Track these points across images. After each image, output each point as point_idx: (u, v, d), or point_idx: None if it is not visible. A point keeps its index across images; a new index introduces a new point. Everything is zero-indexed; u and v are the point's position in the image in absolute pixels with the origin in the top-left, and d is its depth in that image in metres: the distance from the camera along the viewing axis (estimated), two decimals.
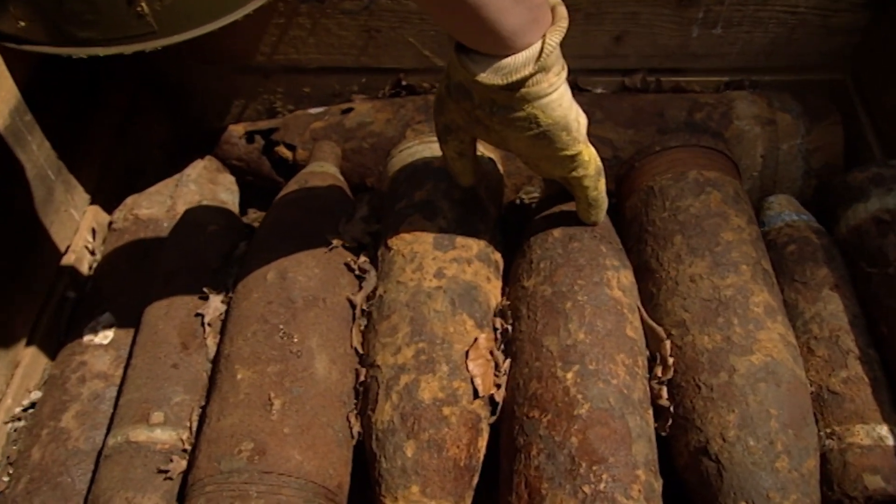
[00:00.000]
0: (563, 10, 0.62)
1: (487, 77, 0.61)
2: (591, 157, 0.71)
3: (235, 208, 1.01)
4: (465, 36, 0.61)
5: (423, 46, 1.05)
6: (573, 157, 0.69)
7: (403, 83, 1.09)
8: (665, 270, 0.75)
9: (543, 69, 0.61)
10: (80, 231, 0.92)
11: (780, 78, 1.05)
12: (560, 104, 0.64)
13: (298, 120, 1.08)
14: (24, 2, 0.70)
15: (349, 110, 1.06)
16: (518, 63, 0.60)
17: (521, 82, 0.61)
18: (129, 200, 0.96)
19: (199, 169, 1.02)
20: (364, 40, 1.05)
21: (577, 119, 0.67)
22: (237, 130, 1.09)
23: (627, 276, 0.77)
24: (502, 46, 0.59)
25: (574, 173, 0.71)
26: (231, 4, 0.79)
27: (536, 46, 0.59)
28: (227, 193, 1.04)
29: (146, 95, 1.09)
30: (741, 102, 0.98)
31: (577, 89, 1.07)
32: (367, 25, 1.02)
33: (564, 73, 0.64)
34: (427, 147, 0.87)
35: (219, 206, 0.90)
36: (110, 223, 0.95)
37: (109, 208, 0.97)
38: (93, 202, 0.96)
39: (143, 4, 0.72)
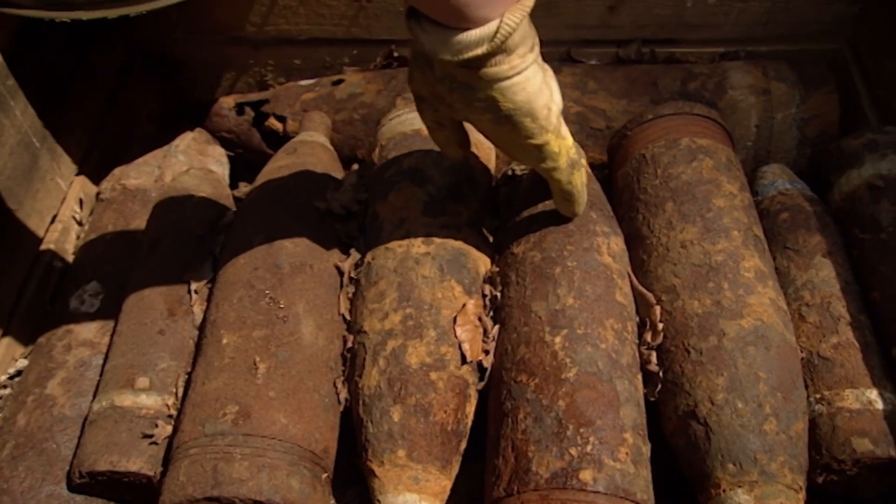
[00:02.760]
0: None
1: (438, 50, 0.55)
2: (561, 149, 0.65)
3: (225, 180, 1.01)
4: (419, 1, 0.54)
5: None
6: (540, 148, 0.64)
7: (395, 54, 1.08)
8: (656, 237, 0.75)
9: (504, 50, 0.55)
10: (66, 201, 0.91)
11: (776, 48, 1.04)
12: (524, 88, 0.58)
13: (289, 91, 1.07)
14: None
15: (340, 81, 1.05)
16: (470, 40, 0.54)
17: (477, 61, 0.55)
18: (117, 171, 0.95)
19: (188, 140, 1.01)
20: (355, 10, 1.03)
21: (546, 106, 0.61)
22: (227, 102, 1.08)
23: (618, 243, 0.76)
24: (456, 17, 0.53)
25: (543, 165, 0.66)
26: None
27: (493, 24, 0.53)
28: (216, 165, 1.03)
29: (135, 66, 1.08)
30: (735, 72, 0.97)
31: (570, 60, 1.06)
32: None
33: (533, 55, 0.58)
34: (417, 115, 0.86)
35: (207, 174, 0.89)
36: (98, 193, 0.94)
37: (97, 179, 0.97)
38: (80, 172, 0.95)
39: None
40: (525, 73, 0.58)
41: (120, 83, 1.04)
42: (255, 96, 1.09)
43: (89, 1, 0.73)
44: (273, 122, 1.06)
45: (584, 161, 0.72)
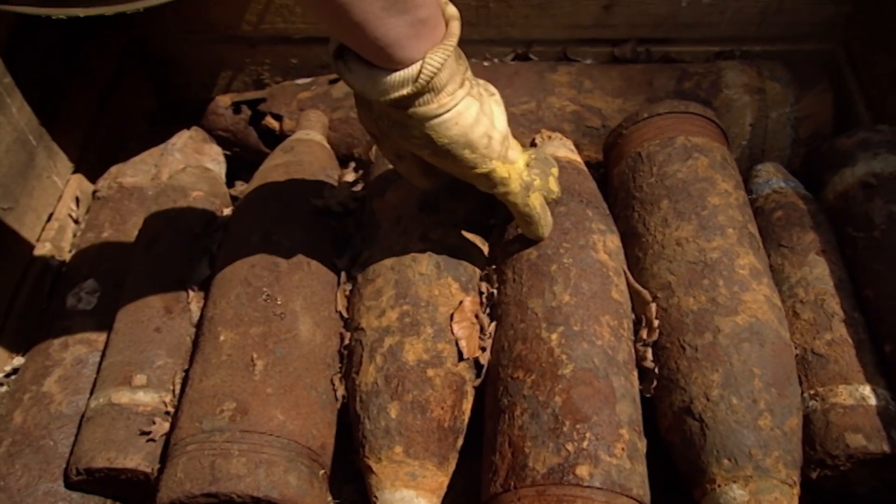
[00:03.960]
0: (455, 27, 0.55)
1: (366, 91, 0.55)
2: (511, 174, 0.64)
3: (222, 178, 1.01)
4: (343, 38, 0.54)
5: None
6: (487, 175, 0.63)
7: None
8: (651, 235, 0.75)
9: (431, 90, 0.54)
10: (63, 199, 0.91)
11: (770, 48, 1.04)
12: (457, 123, 0.57)
13: (286, 90, 1.07)
14: None
15: (336, 80, 1.05)
16: (395, 81, 0.53)
17: (404, 101, 0.55)
18: (114, 169, 0.95)
19: (184, 139, 1.01)
20: None
21: (486, 135, 0.60)
22: (224, 101, 1.08)
23: (614, 241, 0.76)
24: (380, 57, 0.53)
25: (495, 190, 0.65)
26: None
27: (416, 66, 0.53)
28: (213, 164, 1.03)
29: (131, 64, 1.07)
30: (730, 71, 0.97)
31: (566, 59, 1.06)
32: None
33: (463, 91, 0.57)
34: None
35: (204, 172, 0.89)
36: (94, 191, 0.94)
37: (93, 177, 0.96)
38: (76, 170, 0.95)
39: None
40: (456, 109, 0.57)
41: (116, 81, 1.04)
42: (251, 95, 1.08)
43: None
44: (270, 121, 1.06)
45: (554, 173, 0.70)
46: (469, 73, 0.59)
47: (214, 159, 1.04)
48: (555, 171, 0.71)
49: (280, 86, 1.09)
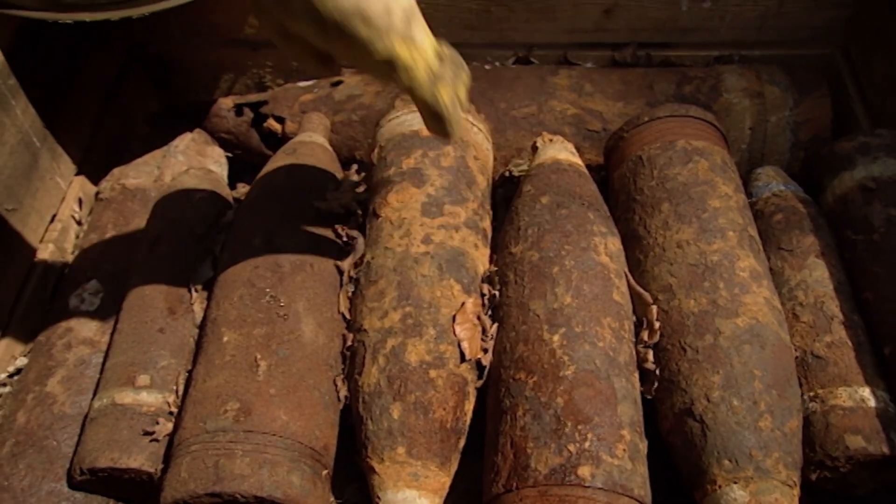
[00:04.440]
0: None
1: None
2: (416, 60, 0.53)
3: (224, 180, 1.01)
4: None
5: None
6: (389, 62, 0.53)
7: None
8: (652, 237, 0.76)
9: None
10: (66, 200, 0.91)
11: (769, 52, 1.05)
12: None
13: (288, 93, 1.07)
14: None
15: (339, 83, 1.06)
16: None
17: None
18: (117, 171, 0.95)
19: (187, 141, 1.01)
20: None
21: (385, 5, 0.50)
22: (226, 103, 1.08)
23: (615, 243, 0.77)
24: None
25: (400, 82, 0.55)
26: None
27: None
28: (215, 166, 1.03)
29: (134, 66, 1.08)
30: (730, 75, 0.98)
31: (567, 63, 1.07)
32: None
33: None
34: (416, 116, 0.86)
35: (206, 174, 0.90)
36: (97, 193, 0.94)
37: (96, 178, 0.97)
38: (79, 172, 0.95)
39: None
40: None
41: (119, 84, 1.04)
42: (253, 97, 1.09)
43: (92, 3, 0.74)
44: (272, 124, 1.06)
45: (465, 79, 0.58)
46: None
47: (217, 161, 1.05)
48: (466, 77, 0.58)
49: (282, 88, 1.09)
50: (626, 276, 0.76)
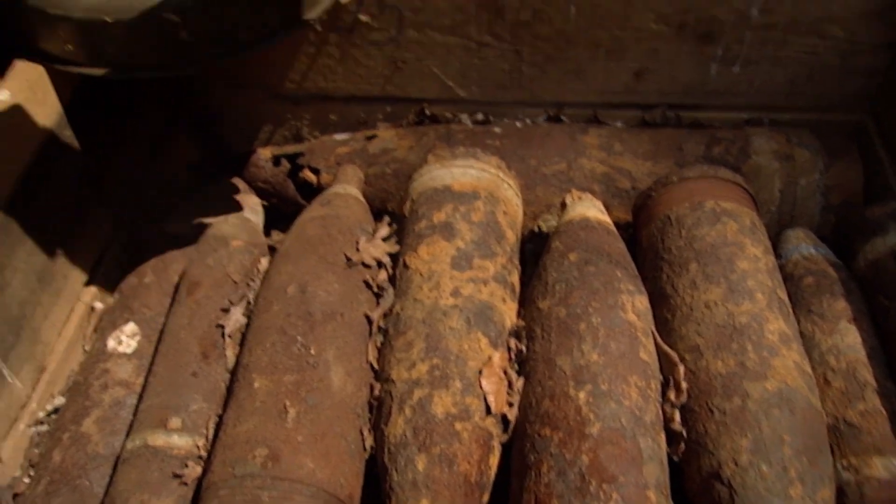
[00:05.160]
0: None
1: None
2: None
3: (260, 229, 1.04)
4: None
5: (446, 77, 1.08)
6: None
7: (427, 112, 1.12)
8: (680, 297, 0.76)
9: None
10: (109, 244, 0.95)
11: (800, 117, 1.06)
12: None
13: (324, 145, 1.11)
14: (72, 27, 0.74)
15: (373, 137, 1.09)
16: None
17: None
18: (158, 216, 0.99)
19: (226, 189, 1.05)
20: (390, 70, 1.08)
21: None
22: (265, 154, 1.12)
23: (642, 301, 0.77)
24: None
25: None
26: (263, 35, 0.82)
27: None
28: (252, 214, 1.06)
29: (179, 117, 1.13)
30: (759, 138, 0.99)
31: (597, 122, 1.09)
32: (394, 56, 1.06)
33: None
34: (448, 171, 0.89)
35: (244, 222, 0.93)
36: (139, 237, 0.98)
37: (139, 223, 1.00)
38: (123, 217, 0.99)
39: (182, 32, 0.75)
40: None
41: (165, 133, 1.09)
42: (291, 149, 1.13)
43: (145, 62, 0.78)
44: (308, 174, 1.09)
45: None
46: None
47: (253, 209, 1.08)
48: None
49: (318, 140, 1.13)
50: (654, 334, 0.76)
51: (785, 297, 0.77)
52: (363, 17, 1.01)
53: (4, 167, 0.74)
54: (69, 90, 0.85)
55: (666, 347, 0.74)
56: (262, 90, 1.12)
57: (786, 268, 0.84)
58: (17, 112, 0.78)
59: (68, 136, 0.85)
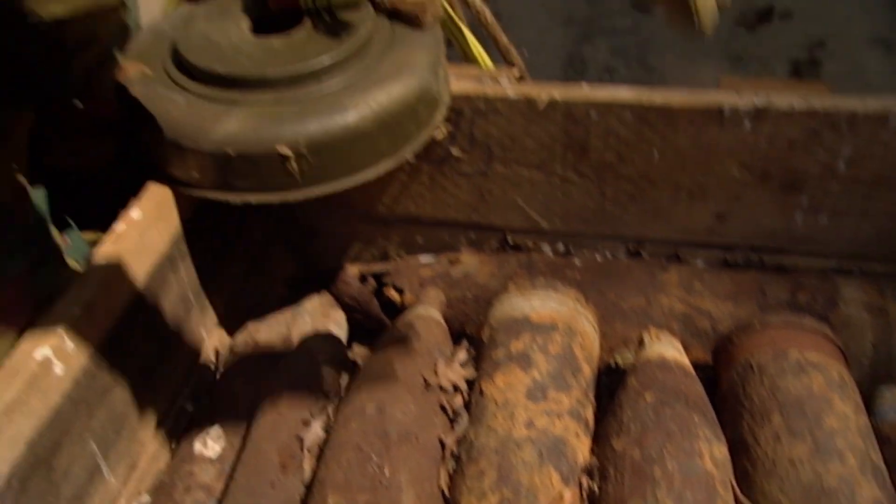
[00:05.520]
0: None
1: None
2: None
3: (344, 343, 1.08)
4: None
5: (530, 209, 1.13)
6: None
7: (509, 241, 1.17)
8: (762, 449, 0.74)
9: None
10: (205, 349, 1.01)
11: (893, 269, 1.03)
12: None
13: (409, 266, 1.16)
14: (200, 158, 0.84)
15: (457, 261, 1.14)
16: None
17: None
18: (250, 326, 1.05)
19: (314, 303, 1.11)
20: (477, 200, 1.14)
21: None
22: (353, 271, 1.18)
23: (721, 450, 0.75)
24: None
25: None
26: (365, 166, 0.90)
27: None
28: (336, 328, 1.11)
29: (278, 234, 1.22)
30: (848, 287, 0.97)
31: (677, 260, 1.10)
32: (481, 187, 1.12)
33: None
34: (527, 301, 0.91)
35: (331, 338, 0.97)
36: (231, 345, 1.04)
37: (232, 331, 1.07)
38: (220, 324, 1.06)
39: (293, 164, 0.84)
40: None
41: (263, 249, 1.18)
42: (377, 267, 1.18)
43: (259, 188, 0.86)
44: (392, 293, 1.14)
45: None
46: None
47: (338, 324, 1.13)
48: None
49: (404, 261, 1.18)
50: (733, 486, 0.73)
51: (881, 462, 0.72)
52: (455, 152, 1.09)
53: (127, 282, 0.83)
54: (189, 209, 0.94)
55: (747, 501, 0.71)
56: (355, 212, 1.20)
57: (882, 429, 0.79)
58: (145, 229, 0.87)
59: (183, 250, 0.94)
